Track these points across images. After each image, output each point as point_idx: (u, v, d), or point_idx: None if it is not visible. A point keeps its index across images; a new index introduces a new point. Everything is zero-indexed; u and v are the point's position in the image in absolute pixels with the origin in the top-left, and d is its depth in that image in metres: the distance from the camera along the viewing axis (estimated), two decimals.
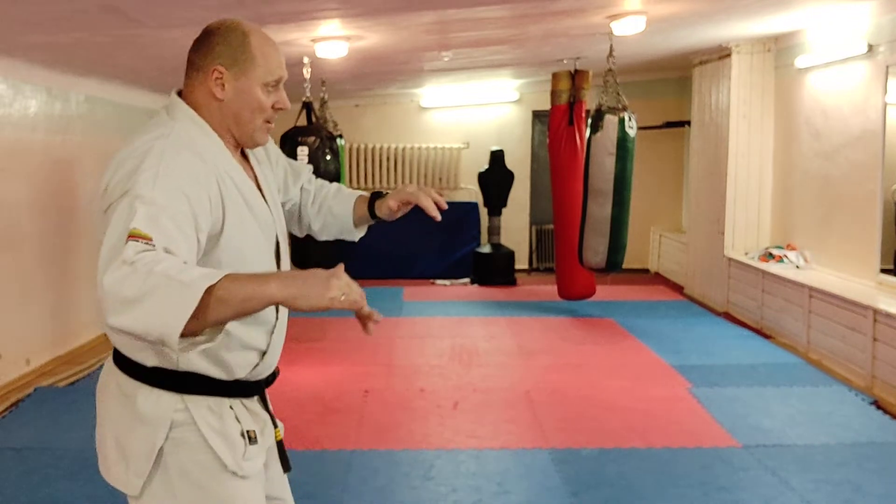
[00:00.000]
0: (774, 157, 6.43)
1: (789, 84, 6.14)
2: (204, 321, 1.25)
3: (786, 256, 5.88)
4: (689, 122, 7.64)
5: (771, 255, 5.99)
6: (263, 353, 1.67)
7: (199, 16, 3.48)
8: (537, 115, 8.89)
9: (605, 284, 7.24)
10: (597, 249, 5.80)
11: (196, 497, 1.60)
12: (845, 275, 5.28)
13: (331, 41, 4.72)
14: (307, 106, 5.91)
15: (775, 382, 4.63)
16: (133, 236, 1.29)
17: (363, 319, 1.42)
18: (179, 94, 1.63)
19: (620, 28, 4.82)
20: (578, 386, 4.63)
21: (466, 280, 8.39)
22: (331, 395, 4.46)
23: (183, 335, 1.24)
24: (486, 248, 8.29)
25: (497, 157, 8.21)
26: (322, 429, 3.94)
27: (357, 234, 1.98)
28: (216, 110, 1.59)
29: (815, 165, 5.75)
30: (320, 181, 2.01)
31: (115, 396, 1.61)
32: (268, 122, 1.64)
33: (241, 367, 1.65)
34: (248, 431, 1.65)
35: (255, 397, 1.72)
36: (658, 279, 8.44)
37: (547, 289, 7.58)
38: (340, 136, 7.33)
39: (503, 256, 8.21)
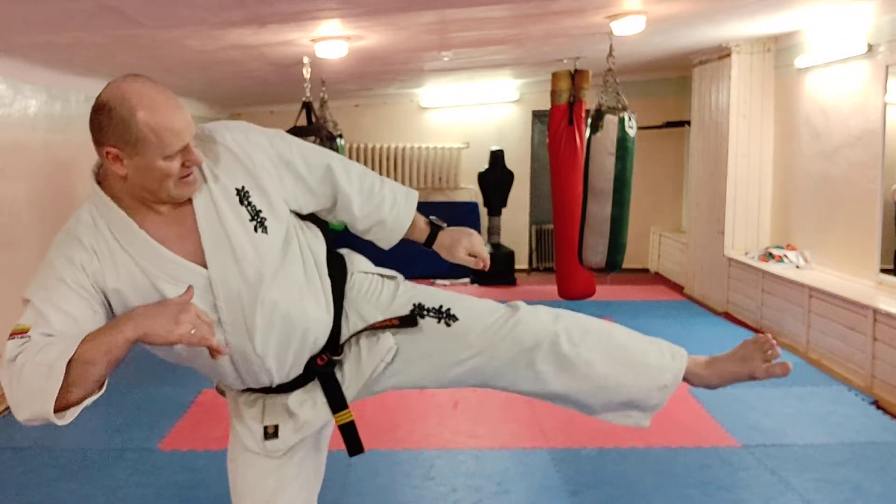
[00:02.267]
0: (774, 157, 6.42)
1: (789, 84, 6.14)
2: (85, 386, 1.31)
3: (786, 256, 5.88)
4: (689, 122, 7.64)
5: (771, 255, 5.99)
6: (238, 375, 1.70)
7: (198, 16, 3.48)
8: (537, 115, 8.88)
9: (605, 284, 7.23)
10: (597, 249, 5.79)
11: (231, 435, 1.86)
12: (845, 275, 5.28)
13: (331, 41, 4.72)
14: (307, 106, 5.89)
15: (775, 382, 4.60)
16: (13, 334, 1.40)
17: (211, 351, 1.40)
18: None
19: (620, 28, 4.82)
20: None
21: (466, 280, 8.38)
22: None
23: (73, 403, 1.32)
24: (485, 248, 8.28)
25: (497, 157, 8.21)
26: None
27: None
28: (120, 182, 1.50)
29: (815, 165, 5.75)
30: (371, 183, 1.86)
31: None
32: (184, 177, 1.50)
33: (231, 383, 1.75)
34: (265, 426, 1.76)
35: (294, 394, 1.78)
36: (658, 279, 8.44)
37: (547, 289, 7.58)
38: (340, 136, 7.33)
39: (503, 256, 8.21)
